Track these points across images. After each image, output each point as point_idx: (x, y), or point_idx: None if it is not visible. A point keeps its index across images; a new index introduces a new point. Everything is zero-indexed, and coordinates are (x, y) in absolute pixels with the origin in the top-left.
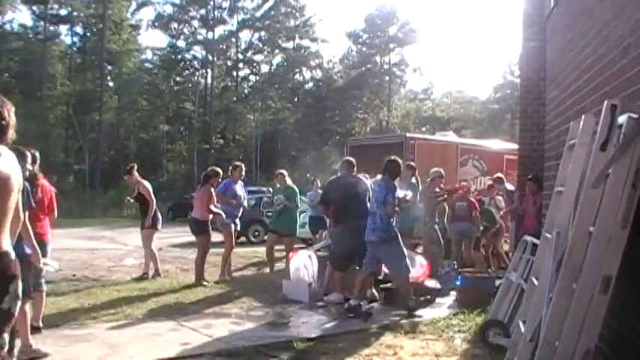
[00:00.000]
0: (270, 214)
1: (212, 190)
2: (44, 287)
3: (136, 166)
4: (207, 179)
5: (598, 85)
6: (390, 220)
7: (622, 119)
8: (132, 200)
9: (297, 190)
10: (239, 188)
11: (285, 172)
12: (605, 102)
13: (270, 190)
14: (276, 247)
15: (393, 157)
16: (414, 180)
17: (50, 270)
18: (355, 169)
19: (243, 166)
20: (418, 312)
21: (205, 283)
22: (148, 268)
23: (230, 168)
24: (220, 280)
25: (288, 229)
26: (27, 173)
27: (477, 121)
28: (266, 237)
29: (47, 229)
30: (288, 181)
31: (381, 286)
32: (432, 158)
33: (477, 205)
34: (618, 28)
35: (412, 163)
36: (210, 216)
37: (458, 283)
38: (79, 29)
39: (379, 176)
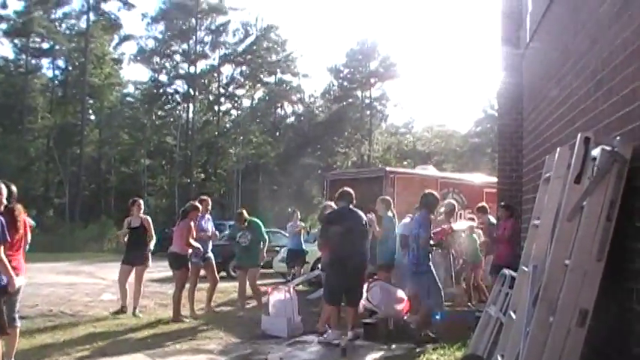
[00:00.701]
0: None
1: (191, 224)
2: (18, 323)
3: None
4: (185, 214)
5: (573, 118)
6: (422, 254)
7: (596, 152)
8: (124, 234)
9: (260, 223)
10: (206, 222)
11: (242, 211)
12: (579, 135)
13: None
14: (258, 282)
15: (429, 191)
16: (389, 213)
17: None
18: (354, 200)
19: (209, 200)
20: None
21: (184, 318)
22: (128, 301)
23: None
24: (195, 317)
25: (253, 260)
26: (1, 207)
27: (458, 154)
28: None
29: (21, 263)
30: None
31: (362, 320)
32: (412, 192)
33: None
34: (591, 62)
35: (387, 197)
36: (190, 250)
37: (438, 317)
38: (60, 62)
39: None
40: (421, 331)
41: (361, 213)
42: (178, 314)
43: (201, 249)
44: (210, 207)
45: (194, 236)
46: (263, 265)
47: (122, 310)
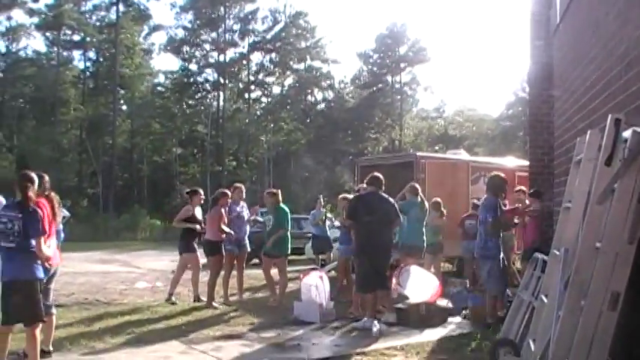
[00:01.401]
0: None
1: (222, 210)
2: (54, 311)
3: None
4: (215, 201)
5: (604, 99)
6: (489, 239)
7: (627, 134)
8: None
9: (288, 211)
10: (242, 209)
11: (275, 191)
12: (610, 117)
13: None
14: (288, 268)
15: (495, 173)
16: (418, 199)
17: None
18: (383, 186)
19: (242, 187)
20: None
21: (215, 304)
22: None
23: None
24: (229, 303)
25: (279, 250)
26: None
27: (490, 138)
28: None
29: (56, 252)
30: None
31: (394, 305)
32: (443, 177)
33: None
34: (622, 43)
35: (414, 184)
36: (223, 236)
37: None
38: (91, 54)
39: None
40: (489, 316)
41: (390, 199)
42: (212, 300)
43: (233, 234)
44: (244, 194)
45: (225, 222)
46: (295, 252)
47: (198, 299)
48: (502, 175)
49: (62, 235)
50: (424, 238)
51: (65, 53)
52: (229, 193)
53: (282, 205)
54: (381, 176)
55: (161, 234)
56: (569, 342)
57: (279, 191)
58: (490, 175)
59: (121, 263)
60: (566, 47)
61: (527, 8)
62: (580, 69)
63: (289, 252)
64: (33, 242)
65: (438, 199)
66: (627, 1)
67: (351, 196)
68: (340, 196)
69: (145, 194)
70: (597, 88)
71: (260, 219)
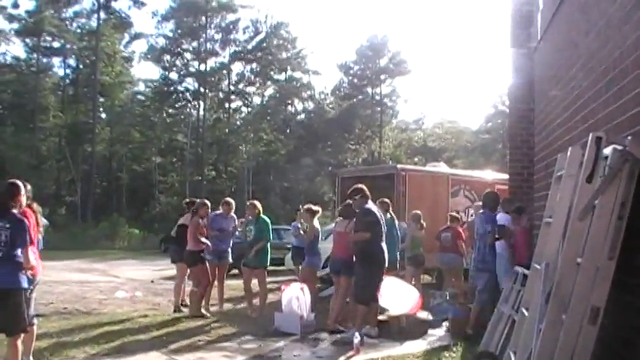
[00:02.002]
0: None
1: (200, 221)
2: (35, 321)
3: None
4: (195, 211)
5: (584, 116)
6: (487, 252)
7: (607, 151)
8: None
9: (269, 222)
10: (228, 222)
11: (256, 202)
12: (591, 134)
13: (240, 222)
14: (269, 279)
15: (489, 190)
16: (388, 216)
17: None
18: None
19: (232, 202)
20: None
21: (206, 312)
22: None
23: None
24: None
25: (259, 261)
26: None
27: (469, 150)
28: None
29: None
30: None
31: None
32: (424, 189)
33: (462, 235)
34: (602, 62)
35: (386, 200)
36: (203, 246)
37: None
38: (71, 61)
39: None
40: (470, 327)
41: (375, 209)
42: (198, 311)
43: (210, 245)
44: (233, 208)
45: (204, 233)
46: (274, 263)
47: (178, 309)
48: (495, 191)
49: (41, 244)
50: (396, 253)
51: (45, 60)
52: (208, 204)
53: (262, 216)
54: (365, 188)
55: (140, 243)
56: (550, 355)
57: (255, 202)
58: (485, 191)
59: (99, 272)
60: (547, 64)
61: (507, 24)
62: (560, 86)
63: (269, 263)
64: (19, 252)
65: (418, 212)
66: (607, 22)
67: (315, 208)
68: (305, 207)
69: (123, 203)
70: (577, 105)
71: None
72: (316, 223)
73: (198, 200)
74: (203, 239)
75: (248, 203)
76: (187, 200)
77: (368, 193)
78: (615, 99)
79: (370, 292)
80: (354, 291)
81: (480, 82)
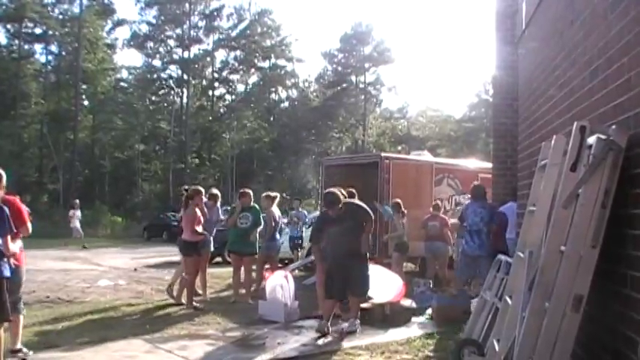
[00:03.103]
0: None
1: (197, 210)
2: (23, 311)
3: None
4: (189, 199)
5: (568, 106)
6: (485, 239)
7: (591, 140)
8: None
9: (260, 210)
10: (216, 212)
11: (249, 191)
12: (575, 123)
13: (227, 208)
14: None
15: (477, 183)
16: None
17: None
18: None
19: (219, 194)
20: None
21: (197, 304)
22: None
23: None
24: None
25: (250, 248)
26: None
27: (452, 139)
28: None
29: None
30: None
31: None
32: (407, 177)
33: (449, 223)
34: (587, 51)
35: (352, 190)
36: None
37: (434, 302)
38: (53, 48)
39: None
40: None
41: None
42: (192, 301)
43: (207, 236)
44: (219, 200)
45: (201, 222)
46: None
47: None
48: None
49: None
50: None
51: (26, 46)
52: (202, 191)
53: (254, 204)
54: (335, 191)
55: (122, 231)
56: (533, 342)
57: (248, 190)
58: (474, 184)
59: (82, 260)
60: (531, 53)
61: (493, 13)
62: (545, 75)
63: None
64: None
65: (398, 200)
66: (592, 11)
67: (273, 194)
68: (264, 194)
69: (106, 190)
70: (561, 94)
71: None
72: (275, 209)
73: (191, 188)
74: (200, 230)
75: (241, 191)
76: (187, 188)
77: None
78: (599, 88)
79: (368, 283)
80: (351, 285)
81: (464, 70)
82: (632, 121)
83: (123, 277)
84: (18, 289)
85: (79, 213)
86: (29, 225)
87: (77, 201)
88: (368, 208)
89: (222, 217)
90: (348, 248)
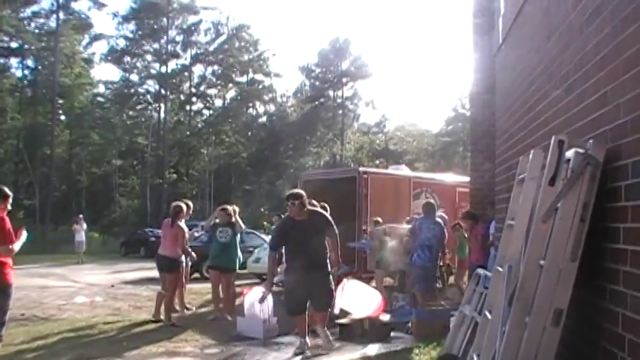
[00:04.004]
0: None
1: (185, 227)
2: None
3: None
4: (175, 215)
5: (545, 120)
6: (432, 254)
7: (569, 154)
8: None
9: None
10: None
11: (228, 207)
12: (553, 137)
13: (202, 224)
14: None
15: (429, 200)
16: None
17: None
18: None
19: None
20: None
21: (174, 321)
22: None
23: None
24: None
25: (231, 263)
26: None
27: (430, 153)
28: None
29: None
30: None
31: (337, 321)
32: (385, 192)
33: None
34: (563, 66)
35: (325, 205)
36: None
37: (413, 317)
38: (30, 62)
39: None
40: None
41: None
42: (170, 318)
43: (194, 255)
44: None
45: (187, 239)
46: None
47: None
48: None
49: None
50: None
51: (2, 60)
52: (184, 207)
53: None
54: (298, 191)
55: (99, 247)
56: (513, 357)
57: (228, 206)
58: (426, 201)
59: (58, 277)
60: (508, 67)
61: (469, 28)
62: (522, 89)
63: (237, 268)
64: None
65: (377, 218)
66: (568, 26)
67: (230, 208)
68: (219, 207)
69: (83, 206)
70: (539, 108)
71: (197, 234)
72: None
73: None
74: (188, 248)
75: (220, 207)
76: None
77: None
78: (576, 103)
79: (331, 296)
80: (317, 298)
81: (441, 85)
82: (608, 135)
83: (100, 293)
84: (3, 314)
85: (85, 226)
86: (13, 246)
87: (81, 215)
88: (333, 222)
89: (196, 233)
90: (309, 259)
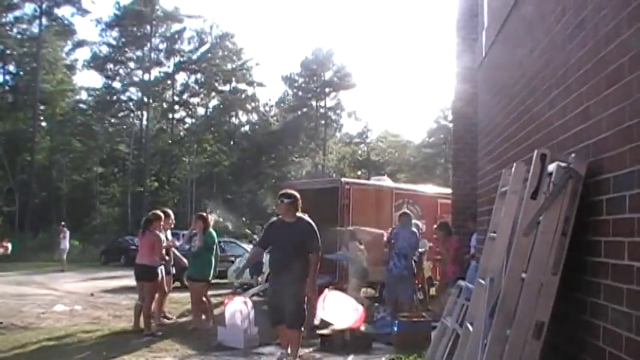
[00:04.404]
0: None
1: (161, 235)
2: None
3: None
4: (149, 223)
5: (528, 133)
6: (408, 263)
7: (552, 168)
8: None
9: (215, 235)
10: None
11: (204, 214)
12: (535, 151)
13: (183, 233)
14: (211, 293)
15: (406, 211)
16: None
17: None
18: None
19: (171, 214)
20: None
21: (153, 331)
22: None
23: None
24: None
25: (201, 274)
26: None
27: (411, 165)
28: None
29: None
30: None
31: (318, 332)
32: (367, 203)
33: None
34: (545, 80)
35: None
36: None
37: (395, 328)
38: (11, 67)
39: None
40: None
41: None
42: (149, 327)
43: (184, 260)
44: (172, 220)
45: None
46: (218, 275)
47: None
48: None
49: None
50: None
51: None
52: (162, 216)
53: (210, 229)
54: (292, 193)
55: (79, 254)
56: None
57: (203, 213)
58: (403, 212)
59: (38, 285)
60: (491, 81)
61: (452, 40)
62: (504, 102)
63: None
64: None
65: (350, 228)
66: (551, 41)
67: (204, 214)
68: (197, 214)
69: (63, 213)
70: (521, 122)
71: (177, 243)
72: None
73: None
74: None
75: (197, 214)
76: (154, 212)
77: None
78: (558, 117)
79: (303, 315)
80: (288, 312)
81: (423, 96)
82: (591, 150)
83: (79, 302)
84: None
85: (68, 234)
86: None
87: (63, 223)
88: (319, 238)
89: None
90: (287, 268)
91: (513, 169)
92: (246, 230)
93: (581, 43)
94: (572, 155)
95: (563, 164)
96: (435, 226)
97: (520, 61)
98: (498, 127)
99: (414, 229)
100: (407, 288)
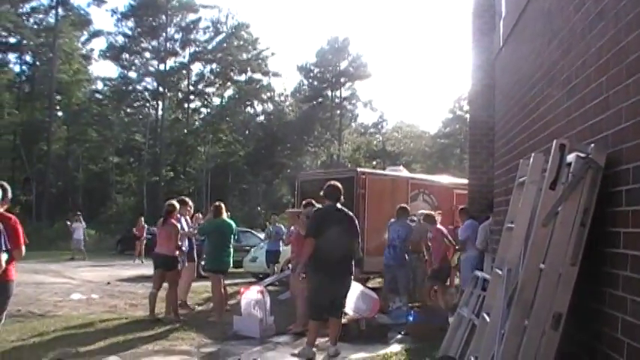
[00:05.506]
0: None
1: (178, 225)
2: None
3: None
4: (167, 214)
5: (546, 123)
6: (403, 251)
7: (570, 158)
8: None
9: (234, 225)
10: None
11: (222, 204)
12: (554, 142)
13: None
14: (227, 282)
15: (403, 205)
16: None
17: None
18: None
19: (190, 202)
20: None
21: (181, 317)
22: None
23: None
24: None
25: (209, 263)
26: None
27: (427, 155)
28: None
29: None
30: (224, 215)
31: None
32: (383, 193)
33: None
34: (564, 70)
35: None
36: (177, 252)
37: (410, 318)
38: (28, 58)
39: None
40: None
41: (349, 213)
42: (177, 313)
43: (185, 250)
44: (190, 207)
45: (181, 237)
46: (234, 265)
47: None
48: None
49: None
50: None
51: (0, 56)
52: (177, 206)
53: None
54: (338, 185)
55: (96, 244)
56: (512, 359)
57: (221, 203)
58: (400, 206)
59: (54, 273)
60: (508, 71)
61: (469, 30)
62: (522, 93)
63: (228, 267)
64: None
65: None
66: (570, 30)
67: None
68: (289, 210)
69: (79, 203)
70: (539, 112)
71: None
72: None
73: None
74: (180, 245)
75: (215, 205)
76: (173, 200)
77: (334, 192)
78: (577, 107)
79: (318, 305)
80: (335, 304)
81: (439, 86)
82: (610, 140)
83: (96, 290)
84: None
85: (84, 223)
86: (23, 249)
87: (79, 212)
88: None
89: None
90: (344, 256)
91: (532, 159)
92: (267, 223)
93: (601, 32)
94: (592, 146)
95: (582, 155)
96: (461, 207)
97: (539, 50)
98: (516, 117)
99: (409, 222)
100: (401, 277)
